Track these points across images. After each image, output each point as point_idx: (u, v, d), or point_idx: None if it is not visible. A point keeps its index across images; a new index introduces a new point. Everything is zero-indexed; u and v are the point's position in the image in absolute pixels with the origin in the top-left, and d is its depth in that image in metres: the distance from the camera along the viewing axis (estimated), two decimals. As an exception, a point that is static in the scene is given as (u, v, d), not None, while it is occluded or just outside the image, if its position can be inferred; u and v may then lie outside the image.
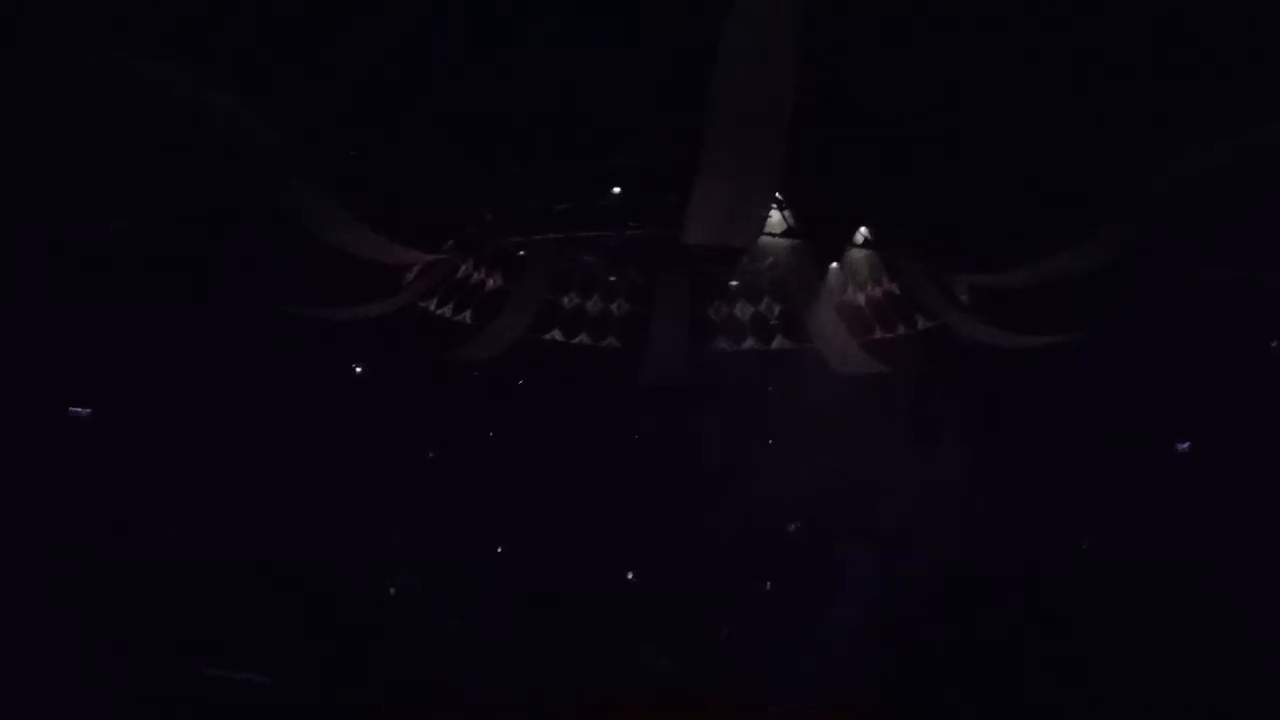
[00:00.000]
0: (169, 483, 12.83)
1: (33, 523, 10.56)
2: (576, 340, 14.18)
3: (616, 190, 11.67)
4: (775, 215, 11.66)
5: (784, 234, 12.17)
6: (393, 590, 15.86)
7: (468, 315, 13.27)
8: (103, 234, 9.49)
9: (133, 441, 12.25)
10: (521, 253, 12.84)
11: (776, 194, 10.78)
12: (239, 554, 12.79)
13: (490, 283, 13.23)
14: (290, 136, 8.91)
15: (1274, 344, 12.92)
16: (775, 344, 14.15)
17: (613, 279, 13.67)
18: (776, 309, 13.83)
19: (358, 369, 15.23)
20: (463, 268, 12.83)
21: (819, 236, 12.21)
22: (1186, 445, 14.10)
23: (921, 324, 12.88)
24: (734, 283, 13.76)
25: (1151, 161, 8.99)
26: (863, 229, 12.29)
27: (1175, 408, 13.03)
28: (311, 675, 12.17)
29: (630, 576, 16.95)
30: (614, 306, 13.97)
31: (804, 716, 14.04)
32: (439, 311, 13.07)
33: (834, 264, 12.85)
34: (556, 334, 14.02)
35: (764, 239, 11.78)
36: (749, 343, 14.20)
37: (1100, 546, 14.56)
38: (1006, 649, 12.45)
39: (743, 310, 13.97)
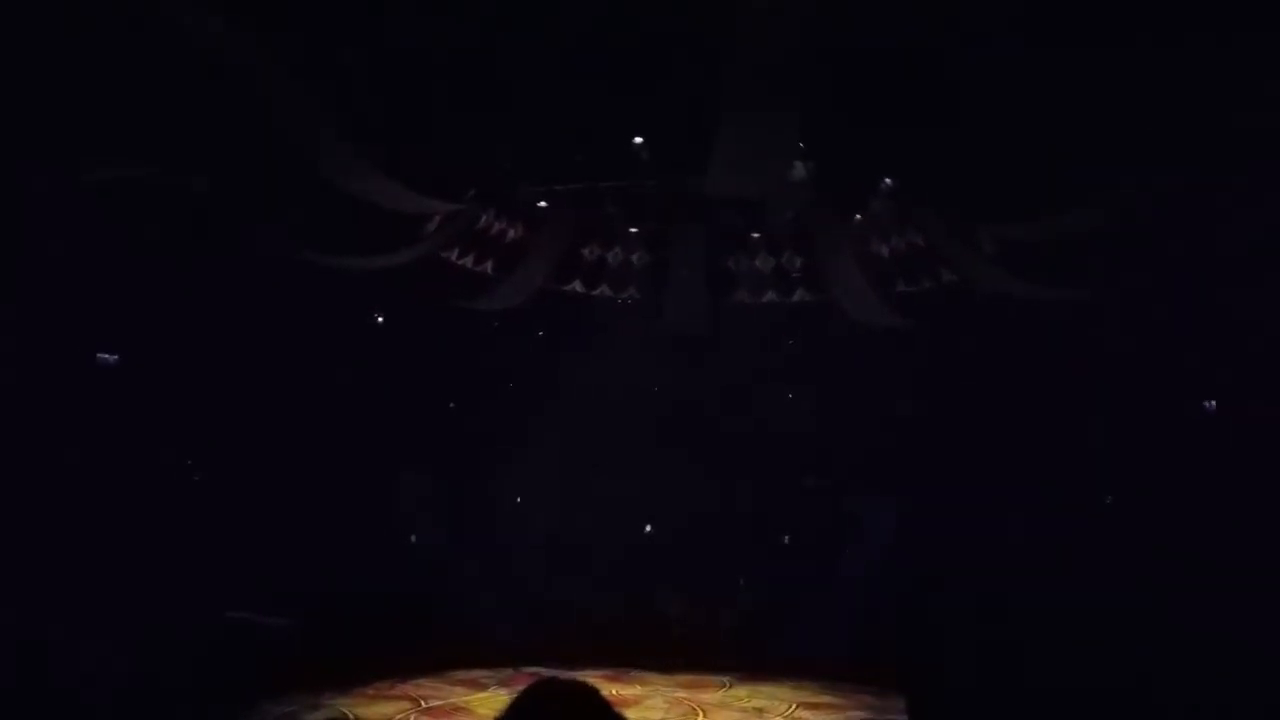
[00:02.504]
0: (191, 430, 12.96)
1: (57, 467, 10.70)
2: (597, 291, 14.21)
3: (638, 140, 11.56)
4: (798, 166, 11.53)
5: (806, 184, 12.04)
6: (414, 538, 16.07)
7: (489, 266, 13.29)
8: (123, 181, 9.48)
9: (155, 390, 12.34)
10: (542, 203, 12.82)
11: (799, 144, 10.64)
12: (261, 501, 12.95)
13: (511, 233, 13.22)
14: (312, 88, 8.86)
15: None
16: (796, 296, 14.09)
17: (633, 230, 13.62)
18: (798, 261, 13.74)
19: (379, 318, 15.27)
20: (483, 218, 12.82)
21: (842, 187, 12.08)
22: (1212, 404, 13.93)
23: (945, 276, 12.79)
24: (755, 234, 13.67)
25: (1175, 117, 8.80)
26: (886, 179, 12.15)
27: (1199, 366, 12.82)
28: (332, 621, 12.35)
29: (649, 529, 17.07)
30: (634, 258, 13.94)
31: (816, 667, 14.19)
32: (460, 261, 13.11)
33: (857, 215, 12.74)
34: (577, 285, 14.05)
35: (786, 190, 11.66)
36: (770, 295, 14.15)
37: (1121, 505, 14.47)
38: (1022, 603, 12.46)
39: (764, 262, 13.90)
